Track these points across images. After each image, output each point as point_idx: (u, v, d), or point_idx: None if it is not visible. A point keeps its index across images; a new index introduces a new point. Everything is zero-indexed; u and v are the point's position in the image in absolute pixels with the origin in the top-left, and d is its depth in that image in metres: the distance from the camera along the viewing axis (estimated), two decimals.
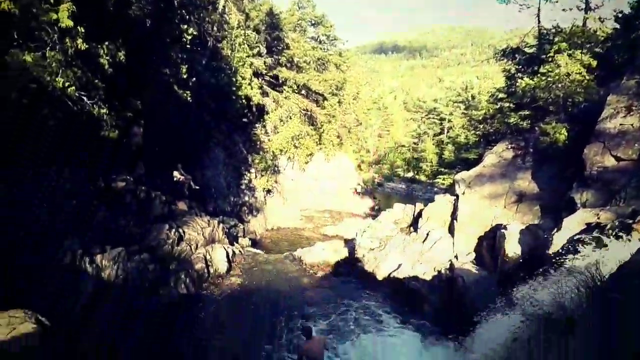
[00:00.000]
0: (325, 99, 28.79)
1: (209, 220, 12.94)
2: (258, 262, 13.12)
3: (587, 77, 11.89)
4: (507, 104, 16.00)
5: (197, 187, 15.09)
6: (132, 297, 8.67)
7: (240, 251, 13.29)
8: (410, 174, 53.28)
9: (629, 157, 9.58)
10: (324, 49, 30.66)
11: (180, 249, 11.09)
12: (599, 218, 8.06)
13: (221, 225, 13.57)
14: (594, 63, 12.34)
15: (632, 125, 9.74)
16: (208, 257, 11.57)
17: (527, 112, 13.98)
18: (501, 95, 18.05)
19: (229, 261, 12.07)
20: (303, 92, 27.55)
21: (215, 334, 8.19)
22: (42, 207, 7.98)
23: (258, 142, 23.42)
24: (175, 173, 14.28)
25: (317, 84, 27.61)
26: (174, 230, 11.21)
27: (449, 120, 54.60)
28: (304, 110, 26.73)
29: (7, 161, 7.09)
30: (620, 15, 14.51)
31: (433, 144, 54.35)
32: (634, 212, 7.24)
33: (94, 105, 7.15)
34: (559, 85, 11.85)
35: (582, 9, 14.98)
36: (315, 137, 27.60)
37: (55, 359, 5.51)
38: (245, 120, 22.66)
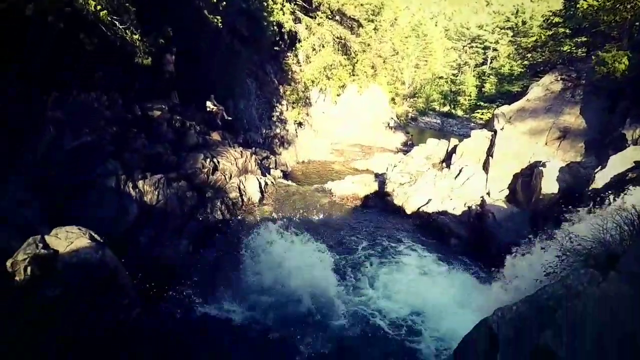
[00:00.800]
0: (360, 25, 26.97)
1: (241, 151, 13.27)
2: (289, 192, 13.58)
3: None
4: (562, 30, 14.42)
5: (230, 118, 15.27)
6: (173, 220, 9.38)
7: (272, 182, 13.74)
8: (446, 108, 50.94)
9: None
10: None
11: (215, 178, 11.60)
12: None
13: (254, 156, 13.90)
14: None
15: None
16: (242, 186, 12.08)
17: (585, 39, 12.61)
18: (557, 19, 16.17)
19: (262, 191, 12.56)
20: (337, 18, 25.84)
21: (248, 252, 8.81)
22: (84, 131, 8.42)
23: (290, 72, 22.84)
24: (208, 103, 14.43)
25: (353, 8, 25.69)
26: (208, 159, 11.63)
27: (494, 49, 50.29)
28: (337, 38, 25.32)
29: (50, 83, 7.38)
30: None
31: (474, 76, 50.89)
32: None
33: (127, 31, 7.11)
34: (628, 6, 10.37)
35: None
36: (348, 68, 26.47)
37: (109, 271, 6.18)
38: (276, 48, 21.92)
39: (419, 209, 12.82)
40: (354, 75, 27.07)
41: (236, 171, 12.43)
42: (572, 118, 12.19)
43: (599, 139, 11.27)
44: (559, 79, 13.14)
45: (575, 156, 11.68)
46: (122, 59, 8.23)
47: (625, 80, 10.51)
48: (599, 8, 11.09)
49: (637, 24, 10.61)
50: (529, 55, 19.55)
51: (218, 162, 11.94)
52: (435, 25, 67.54)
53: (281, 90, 21.50)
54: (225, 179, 11.89)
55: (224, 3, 12.48)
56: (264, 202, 12.41)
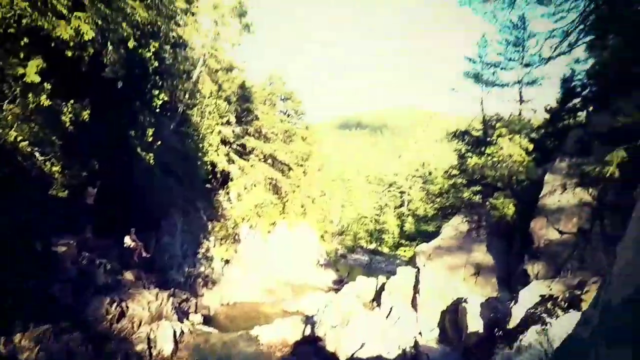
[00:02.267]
0: (290, 169, 29.45)
1: (157, 293, 11.96)
2: (209, 342, 12.00)
3: (527, 159, 13.17)
4: (460, 180, 17.12)
5: (148, 255, 14.17)
6: None
7: (189, 329, 12.18)
8: (373, 245, 53.46)
9: (569, 230, 10.29)
10: (291, 122, 32.20)
11: (120, 326, 9.98)
12: (550, 289, 8.32)
13: (171, 299, 12.55)
14: (531, 146, 13.80)
15: (568, 201, 10.62)
16: (152, 336, 10.45)
17: (478, 188, 14.98)
18: (454, 172, 19.38)
19: (176, 341, 10.94)
20: (269, 161, 28.12)
21: None
22: None
23: (220, 209, 22.95)
24: (127, 239, 13.44)
25: (284, 154, 28.42)
26: (115, 304, 10.19)
27: (409, 194, 56.98)
28: (269, 178, 27.01)
29: None
30: (548, 108, 16.70)
31: (394, 216, 55.76)
32: (580, 283, 7.57)
33: (47, 162, 6.83)
34: (503, 165, 12.98)
35: (517, 101, 17.11)
36: (279, 206, 27.55)
37: None
38: (209, 186, 22.42)
39: (352, 355, 11.92)
40: (284, 213, 28.05)
41: (148, 317, 10.90)
42: (481, 255, 13.43)
43: (508, 274, 12.33)
44: (464, 220, 14.92)
45: (492, 291, 12.43)
46: (34, 189, 7.67)
47: (515, 222, 12.29)
48: (483, 165, 13.73)
49: (513, 178, 13.15)
50: (438, 199, 22.39)
51: (127, 306, 10.48)
52: (358, 172, 76.37)
53: (210, 226, 21.12)
54: (133, 327, 10.27)
55: (160, 143, 13.01)
56: (177, 354, 10.67)
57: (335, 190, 49.07)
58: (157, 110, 13.65)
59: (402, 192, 59.33)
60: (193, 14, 19.03)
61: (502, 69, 17.87)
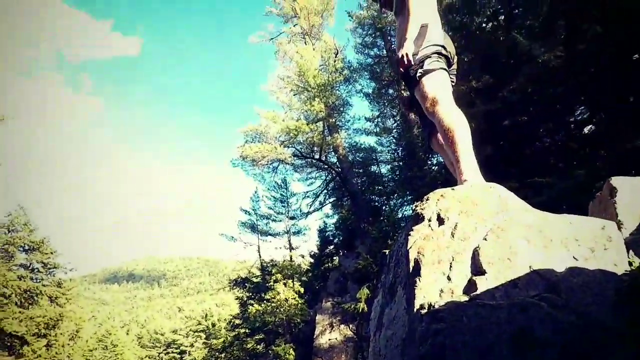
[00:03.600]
0: (26, 343, 21.48)
1: None
2: None
3: (300, 302, 14.49)
4: (243, 330, 16.73)
5: None
6: None
7: None
8: None
9: None
10: (36, 278, 24.99)
11: None
12: None
13: None
14: (302, 289, 15.43)
15: (336, 338, 11.90)
16: None
17: (261, 336, 14.93)
18: (237, 321, 18.93)
19: None
20: None
21: None
22: None
23: None
24: None
25: (17, 323, 20.86)
26: None
27: (190, 353, 50.37)
28: None
29: None
30: (313, 253, 19.77)
31: None
32: None
33: None
34: (281, 309, 13.75)
35: (287, 248, 19.54)
36: None
37: None
38: None
39: None
40: None
41: None
42: None
43: None
44: None
45: None
46: None
47: None
48: (263, 312, 14.11)
49: (291, 322, 13.97)
50: (222, 355, 20.66)
51: None
52: (127, 333, 63.35)
53: None
54: None
55: None
56: None
57: None
58: None
59: (182, 352, 51.96)
60: None
61: (272, 220, 20.55)
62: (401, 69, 2.13)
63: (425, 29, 2.19)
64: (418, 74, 2.08)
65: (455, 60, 2.30)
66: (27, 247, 25.47)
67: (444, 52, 2.15)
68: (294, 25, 21.55)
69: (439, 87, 2.04)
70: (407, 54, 2.08)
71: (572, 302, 1.34)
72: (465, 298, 1.45)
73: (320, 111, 16.45)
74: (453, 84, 2.24)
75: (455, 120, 1.94)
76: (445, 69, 2.13)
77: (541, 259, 1.49)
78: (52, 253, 26.34)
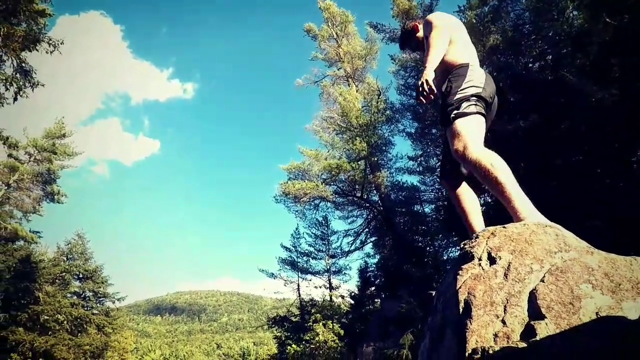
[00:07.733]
0: None
1: None
2: None
3: (340, 344, 13.92)
4: None
5: None
6: None
7: None
8: None
9: None
10: (87, 306, 26.30)
11: None
12: None
13: None
14: (342, 332, 14.87)
15: None
16: None
17: None
18: None
19: None
20: None
21: None
22: None
23: None
24: None
25: (66, 350, 21.80)
26: None
27: None
28: None
29: None
30: (353, 294, 19.18)
31: None
32: None
33: None
34: (320, 352, 13.26)
35: (327, 287, 19.16)
36: None
37: None
38: None
39: None
40: None
41: None
42: None
43: None
44: None
45: None
46: None
47: None
48: (302, 353, 13.70)
49: None
50: None
51: None
52: None
53: None
54: None
55: None
56: None
57: None
58: None
59: None
60: None
61: (313, 258, 20.42)
62: (421, 98, 2.09)
63: (466, 68, 2.18)
64: (452, 115, 2.06)
65: (495, 100, 2.27)
66: (81, 276, 27.04)
67: (483, 94, 2.12)
68: (338, 69, 22.46)
69: (472, 132, 2.01)
70: (427, 80, 2.04)
71: None
72: (524, 344, 1.36)
73: (362, 150, 16.62)
74: (488, 125, 2.20)
75: (493, 162, 1.88)
76: (482, 114, 2.10)
77: (609, 305, 1.38)
78: (103, 282, 27.72)
